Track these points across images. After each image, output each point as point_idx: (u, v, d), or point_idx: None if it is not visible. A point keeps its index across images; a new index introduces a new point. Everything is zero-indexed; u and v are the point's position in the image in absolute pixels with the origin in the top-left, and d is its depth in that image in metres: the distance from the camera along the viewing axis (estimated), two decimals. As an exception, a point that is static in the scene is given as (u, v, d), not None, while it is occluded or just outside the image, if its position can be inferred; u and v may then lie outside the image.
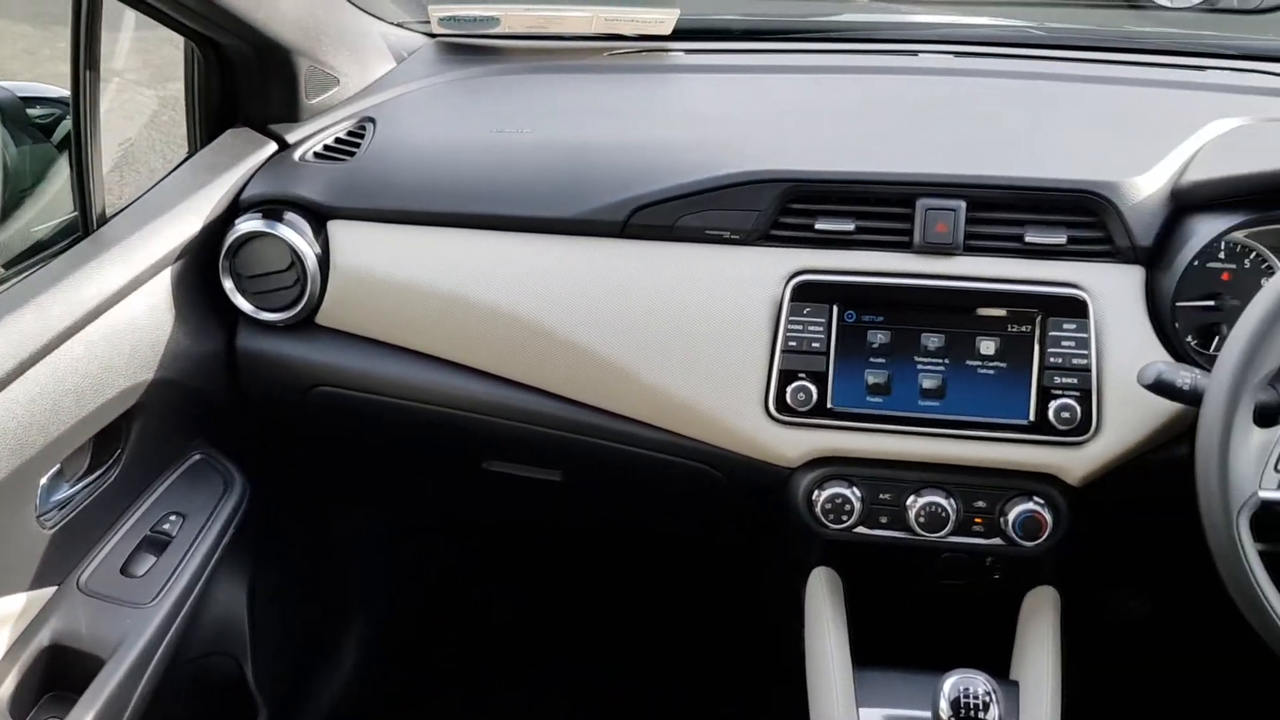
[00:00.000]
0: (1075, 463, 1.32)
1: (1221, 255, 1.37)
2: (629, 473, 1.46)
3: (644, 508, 1.63)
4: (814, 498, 1.37)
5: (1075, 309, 1.31)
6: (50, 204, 1.48)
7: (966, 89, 1.66)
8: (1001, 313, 1.33)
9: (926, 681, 1.27)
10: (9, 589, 1.25)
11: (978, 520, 1.36)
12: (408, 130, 1.55)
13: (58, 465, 1.28)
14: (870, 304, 1.35)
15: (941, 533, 1.36)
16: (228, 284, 1.45)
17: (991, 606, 1.47)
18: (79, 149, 1.30)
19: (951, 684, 1.19)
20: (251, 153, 1.50)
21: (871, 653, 1.40)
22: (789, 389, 1.33)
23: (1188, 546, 1.18)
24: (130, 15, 1.56)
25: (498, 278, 1.40)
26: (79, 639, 1.29)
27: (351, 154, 1.50)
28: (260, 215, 1.44)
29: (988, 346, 1.33)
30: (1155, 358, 1.27)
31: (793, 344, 1.34)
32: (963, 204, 1.35)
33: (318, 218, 1.45)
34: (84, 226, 1.34)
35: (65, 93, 1.40)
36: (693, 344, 1.36)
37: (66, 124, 1.51)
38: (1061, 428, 1.30)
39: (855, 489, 1.37)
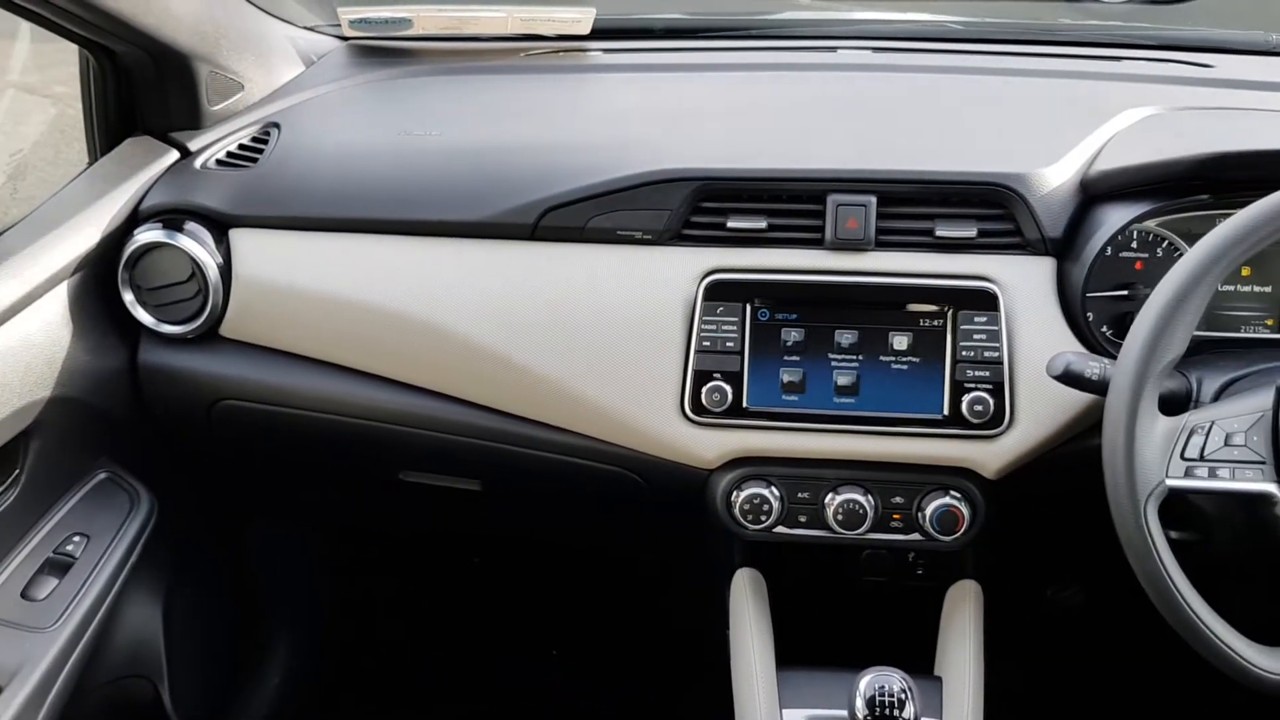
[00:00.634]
0: (990, 456, 1.31)
1: (1134, 245, 1.38)
2: (549, 480, 1.44)
3: (567, 514, 1.60)
4: (732, 499, 1.36)
5: (986, 302, 1.31)
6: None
7: (883, 84, 1.65)
8: (913, 307, 1.32)
9: (850, 680, 1.25)
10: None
11: (896, 516, 1.36)
12: (313, 135, 1.52)
13: (-49, 488, 1.23)
14: (783, 302, 1.33)
15: (860, 530, 1.35)
16: (128, 296, 1.41)
17: (916, 602, 1.47)
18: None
19: (867, 682, 1.18)
20: (151, 162, 1.46)
21: (798, 652, 1.39)
22: (704, 389, 1.32)
23: (1108, 537, 1.18)
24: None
25: (405, 284, 1.37)
26: (-25, 666, 1.25)
27: (254, 160, 1.47)
28: (160, 225, 1.40)
29: (900, 342, 1.32)
30: (1067, 349, 1.26)
31: (706, 344, 1.32)
32: (873, 199, 1.34)
33: (219, 227, 1.42)
34: (-26, 242, 1.30)
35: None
36: (607, 347, 1.34)
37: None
38: (975, 421, 1.30)
39: (773, 488, 1.36)
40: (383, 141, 1.48)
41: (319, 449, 1.49)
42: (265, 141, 1.50)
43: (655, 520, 1.51)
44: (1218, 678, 1.12)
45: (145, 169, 1.45)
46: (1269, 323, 1.41)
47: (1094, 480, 1.14)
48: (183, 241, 1.39)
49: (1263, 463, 1.09)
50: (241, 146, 1.50)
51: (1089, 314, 1.36)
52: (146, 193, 1.44)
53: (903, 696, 1.16)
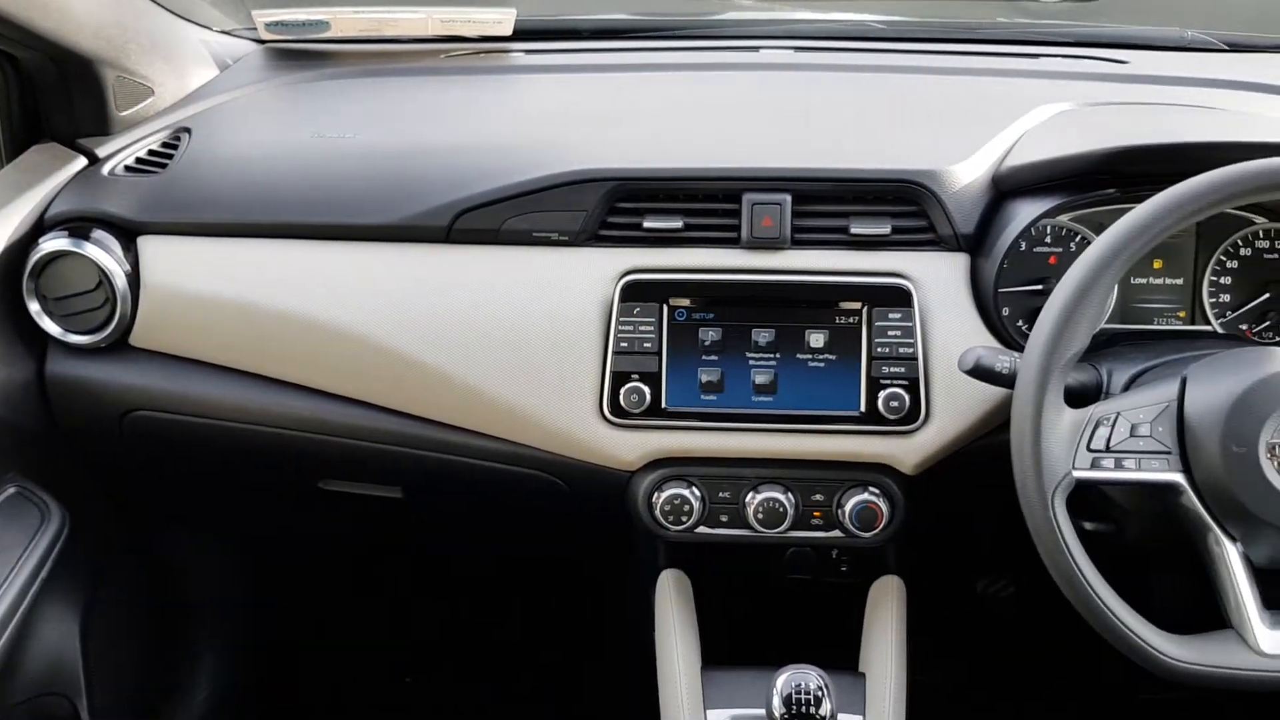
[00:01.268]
0: (907, 451, 1.32)
1: (1048, 239, 1.39)
2: (472, 486, 1.43)
3: (490, 520, 1.59)
4: (653, 500, 1.35)
5: (900, 298, 1.31)
6: None
7: (803, 84, 1.66)
8: (829, 305, 1.33)
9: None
10: None
11: (816, 514, 1.36)
12: (224, 139, 1.49)
13: None
14: (700, 301, 1.33)
15: (781, 528, 1.35)
16: (33, 306, 1.38)
17: (843, 599, 1.47)
18: None
19: (784, 680, 1.18)
20: (58, 169, 1.43)
21: (726, 652, 1.39)
22: (622, 391, 1.31)
23: (1026, 530, 1.18)
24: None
25: (319, 290, 1.35)
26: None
27: (164, 166, 1.44)
28: (66, 233, 1.37)
29: (817, 339, 1.32)
30: (981, 344, 1.27)
31: (624, 345, 1.32)
32: (788, 198, 1.34)
33: (127, 234, 1.39)
34: None
35: None
36: (524, 350, 1.33)
37: None
38: (891, 417, 1.30)
39: (694, 489, 1.35)
40: (295, 145, 1.46)
41: (235, 459, 1.47)
42: (175, 147, 1.48)
43: (578, 523, 1.50)
44: (1145, 670, 1.13)
45: (51, 176, 1.42)
46: (1181, 315, 1.43)
47: (1009, 474, 1.15)
48: (89, 250, 1.36)
49: (1168, 453, 1.11)
50: (151, 152, 1.48)
51: (1004, 309, 1.37)
52: (52, 200, 1.40)
53: (819, 694, 1.17)
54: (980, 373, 1.19)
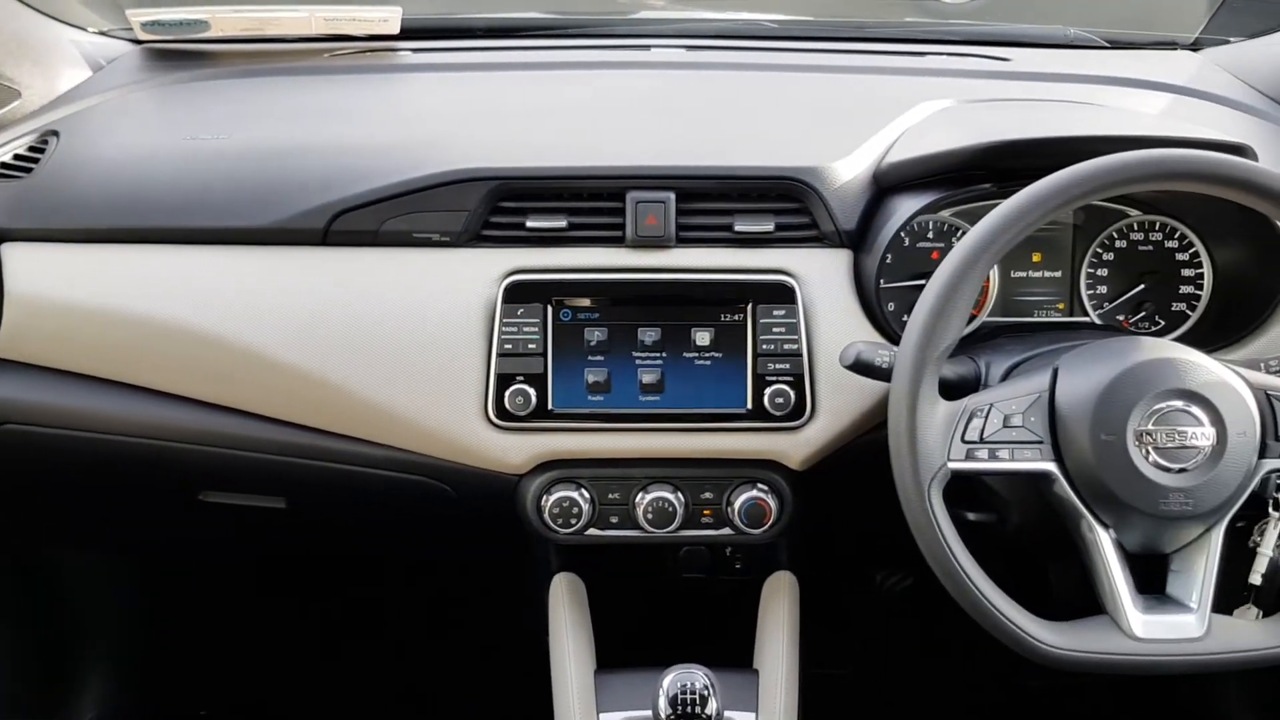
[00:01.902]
0: (794, 447, 1.32)
1: (929, 235, 1.41)
2: (356, 494, 1.40)
3: (378, 528, 1.56)
4: (542, 503, 1.34)
5: (783, 295, 1.31)
6: None
7: (692, 82, 1.66)
8: (714, 303, 1.32)
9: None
10: None
11: (706, 512, 1.36)
12: (93, 142, 1.44)
13: None
14: (585, 301, 1.32)
15: (671, 527, 1.34)
16: (-110, 319, 1.32)
17: (738, 596, 1.47)
18: None
19: (670, 680, 1.18)
20: None
21: (624, 654, 1.38)
22: (507, 393, 1.30)
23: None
24: None
25: (192, 296, 1.31)
26: None
27: (29, 170, 1.39)
28: (-76, 242, 1.32)
29: (703, 337, 1.32)
30: (864, 339, 1.28)
31: (508, 347, 1.30)
32: (672, 196, 1.33)
33: None
34: None
35: None
36: (406, 354, 1.30)
37: None
38: (778, 414, 1.30)
39: (583, 491, 1.34)
40: (167, 147, 1.42)
41: (111, 472, 1.42)
42: (42, 150, 1.42)
43: (468, 529, 1.48)
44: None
45: None
46: (1060, 306, 1.46)
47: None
48: (-52, 258, 1.30)
49: (1040, 442, 1.12)
50: (16, 156, 1.42)
51: (890, 304, 1.39)
52: None
53: (705, 693, 1.16)
54: (861, 367, 1.19)
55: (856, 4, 2.47)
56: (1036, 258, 1.45)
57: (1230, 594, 1.19)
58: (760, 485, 1.34)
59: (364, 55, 1.72)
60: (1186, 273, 1.43)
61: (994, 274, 1.44)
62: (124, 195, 1.35)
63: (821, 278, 1.33)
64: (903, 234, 1.37)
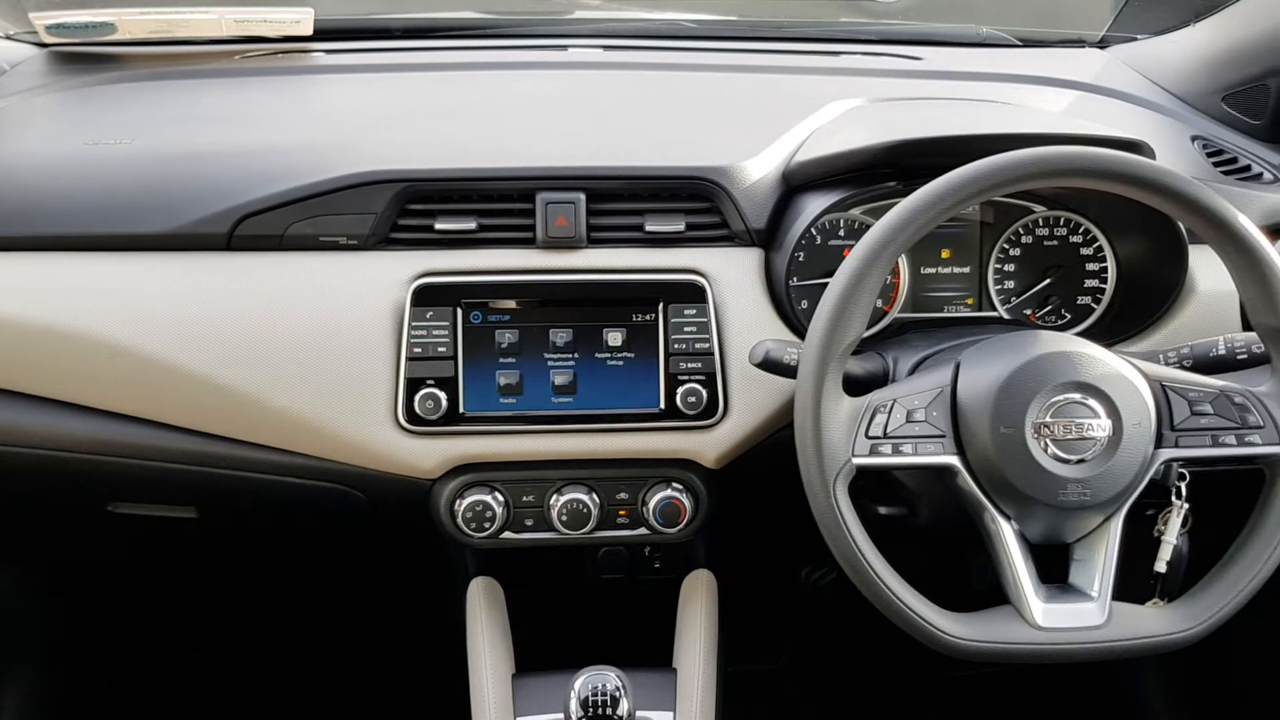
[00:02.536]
0: (707, 446, 1.32)
1: (840, 232, 1.42)
2: (268, 502, 1.38)
3: (290, 537, 1.54)
4: (455, 507, 1.33)
5: (694, 294, 1.32)
6: None
7: (606, 82, 1.65)
8: (626, 303, 1.32)
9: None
10: None
11: (622, 513, 1.36)
12: None
13: None
14: (496, 303, 1.31)
15: (586, 529, 1.34)
16: None
17: (659, 596, 1.47)
18: None
19: (581, 682, 1.18)
20: None
21: (540, 658, 1.37)
22: (417, 397, 1.28)
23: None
24: None
25: (94, 304, 1.29)
26: None
27: None
28: None
29: (615, 338, 1.32)
30: (773, 337, 1.28)
31: (418, 350, 1.29)
32: (582, 196, 1.33)
33: None
34: None
35: None
36: (313, 359, 1.29)
37: None
38: (690, 413, 1.31)
39: (497, 494, 1.34)
40: (65, 152, 1.38)
41: (14, 484, 1.38)
42: (-64, 157, 1.39)
43: (382, 535, 1.46)
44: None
45: None
46: (969, 301, 1.47)
47: None
48: None
49: (942, 436, 1.13)
50: None
51: (802, 302, 1.39)
52: None
53: (616, 694, 1.16)
54: (770, 365, 1.20)
55: (784, 1, 2.50)
56: (946, 254, 1.47)
57: (1138, 583, 1.21)
58: (675, 484, 1.35)
59: (275, 57, 1.70)
60: (1091, 267, 1.45)
61: (904, 270, 1.45)
62: (20, 203, 1.32)
63: (732, 277, 1.34)
64: (813, 232, 1.38)
